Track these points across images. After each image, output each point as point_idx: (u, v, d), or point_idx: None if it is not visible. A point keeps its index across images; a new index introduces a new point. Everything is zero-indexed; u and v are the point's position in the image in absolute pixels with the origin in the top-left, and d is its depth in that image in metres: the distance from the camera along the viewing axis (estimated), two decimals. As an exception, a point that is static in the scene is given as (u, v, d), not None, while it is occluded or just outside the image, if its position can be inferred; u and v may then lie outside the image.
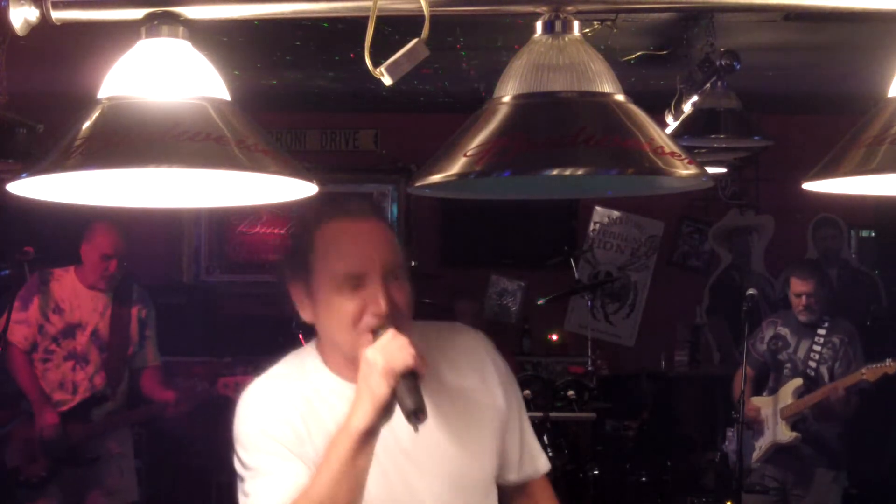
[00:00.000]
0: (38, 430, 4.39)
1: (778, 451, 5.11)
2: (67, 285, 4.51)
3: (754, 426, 5.14)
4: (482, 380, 2.06)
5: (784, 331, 5.17)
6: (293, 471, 1.86)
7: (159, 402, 4.60)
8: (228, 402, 4.66)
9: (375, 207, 2.03)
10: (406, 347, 1.80)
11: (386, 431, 1.86)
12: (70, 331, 4.50)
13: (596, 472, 5.45)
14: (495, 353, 2.13)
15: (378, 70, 1.49)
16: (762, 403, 5.16)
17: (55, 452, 4.41)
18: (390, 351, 1.79)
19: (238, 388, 4.64)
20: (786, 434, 5.05)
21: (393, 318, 1.87)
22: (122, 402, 4.63)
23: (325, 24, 4.24)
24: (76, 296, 4.53)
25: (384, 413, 1.79)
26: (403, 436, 1.91)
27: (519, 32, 4.30)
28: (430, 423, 1.90)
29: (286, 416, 1.93)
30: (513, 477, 2.14)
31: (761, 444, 5.15)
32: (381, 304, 1.86)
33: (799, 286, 5.07)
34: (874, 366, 4.81)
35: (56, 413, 4.42)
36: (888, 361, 4.76)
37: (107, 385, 4.54)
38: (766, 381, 5.27)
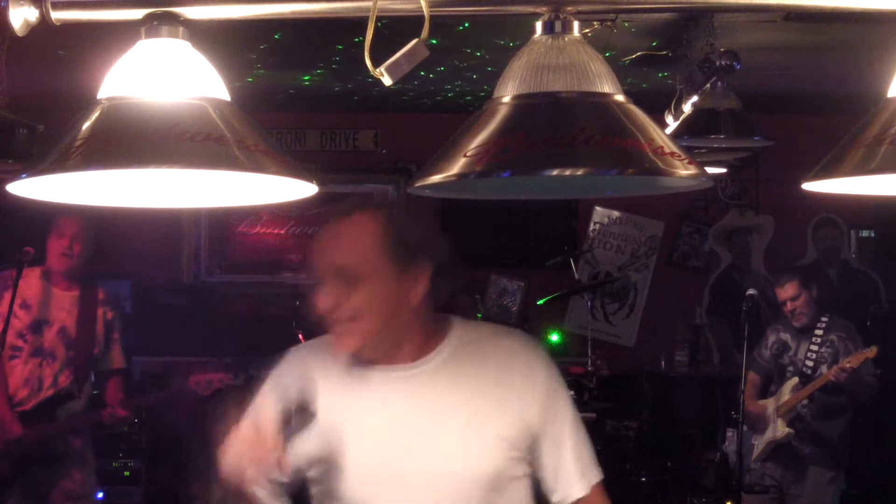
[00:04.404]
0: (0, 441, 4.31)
1: (775, 449, 5.14)
2: (34, 283, 4.45)
3: (759, 424, 5.15)
4: (518, 389, 2.04)
5: (785, 336, 5.21)
6: None
7: (117, 414, 4.54)
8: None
9: (368, 205, 2.11)
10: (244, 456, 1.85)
11: (385, 419, 1.98)
12: (37, 326, 4.44)
13: (596, 472, 5.45)
14: (547, 369, 2.10)
15: (378, 70, 1.49)
16: (765, 405, 5.20)
17: (20, 454, 4.35)
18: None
19: (210, 385, 4.66)
20: (781, 430, 5.07)
21: (334, 319, 1.97)
22: (87, 403, 4.56)
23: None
24: (42, 293, 4.47)
25: None
26: (404, 421, 1.99)
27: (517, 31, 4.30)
28: (437, 415, 1.99)
29: (275, 393, 2.00)
30: (553, 498, 2.13)
31: (759, 443, 5.18)
32: (318, 300, 1.97)
33: (781, 294, 5.13)
34: (856, 353, 4.88)
35: (19, 424, 4.34)
36: (870, 348, 4.83)
37: (73, 383, 4.47)
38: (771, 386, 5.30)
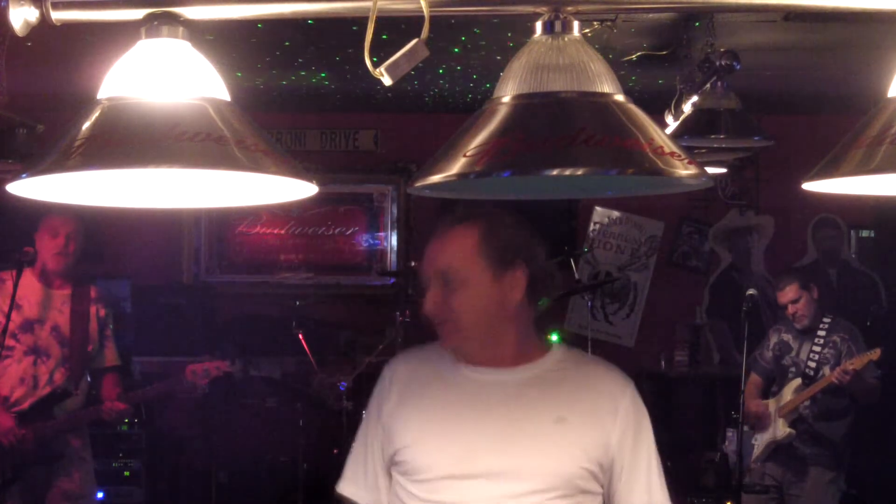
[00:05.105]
0: None
1: (776, 449, 5.14)
2: (25, 284, 4.41)
3: (760, 422, 5.15)
4: (604, 410, 2.12)
5: (787, 336, 5.21)
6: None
7: (116, 408, 4.53)
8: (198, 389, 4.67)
9: (473, 213, 2.20)
10: None
11: (476, 412, 2.09)
12: (29, 326, 4.42)
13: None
14: (634, 400, 2.17)
15: (378, 70, 1.49)
16: (767, 403, 5.20)
17: (19, 454, 4.34)
18: None
19: (208, 374, 4.65)
20: (782, 430, 5.07)
21: (438, 320, 2.11)
22: (84, 401, 4.55)
23: (311, 22, 4.24)
24: (34, 293, 4.46)
25: None
26: (494, 416, 2.09)
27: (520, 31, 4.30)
28: (525, 413, 2.09)
29: (380, 397, 2.21)
30: None
31: (760, 443, 5.18)
32: (424, 303, 2.11)
33: (781, 298, 5.13)
34: (859, 355, 4.88)
35: (11, 417, 4.34)
36: (873, 350, 4.83)
37: (69, 380, 4.47)
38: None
